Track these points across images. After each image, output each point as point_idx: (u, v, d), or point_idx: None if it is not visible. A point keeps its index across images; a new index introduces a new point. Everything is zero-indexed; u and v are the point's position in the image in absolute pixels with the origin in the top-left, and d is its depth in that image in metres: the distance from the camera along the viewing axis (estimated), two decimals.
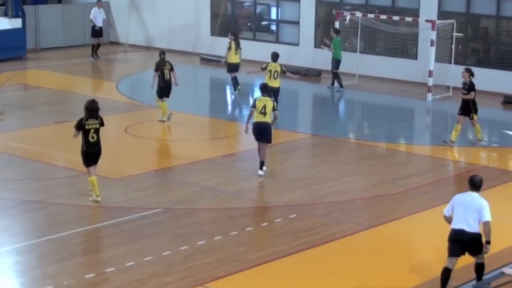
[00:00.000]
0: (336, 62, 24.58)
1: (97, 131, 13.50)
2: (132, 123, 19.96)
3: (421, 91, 24.62)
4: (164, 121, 19.27)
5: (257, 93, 19.59)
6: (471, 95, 18.27)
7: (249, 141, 17.01)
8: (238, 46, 24.01)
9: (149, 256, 11.54)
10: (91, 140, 13.41)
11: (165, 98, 19.17)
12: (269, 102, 15.61)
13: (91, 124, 13.35)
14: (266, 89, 16.20)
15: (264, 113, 15.51)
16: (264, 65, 20.16)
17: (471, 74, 18.37)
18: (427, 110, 24.15)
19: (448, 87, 24.22)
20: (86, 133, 13.40)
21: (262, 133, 15.49)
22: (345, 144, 19.63)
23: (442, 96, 24.13)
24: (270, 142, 15.68)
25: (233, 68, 23.89)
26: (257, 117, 15.58)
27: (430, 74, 23.88)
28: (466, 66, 19.16)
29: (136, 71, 27.63)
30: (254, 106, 15.70)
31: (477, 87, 24.02)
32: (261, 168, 15.51)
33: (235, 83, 23.81)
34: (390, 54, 26.58)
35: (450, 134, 17.91)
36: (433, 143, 20.87)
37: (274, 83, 19.64)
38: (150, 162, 16.95)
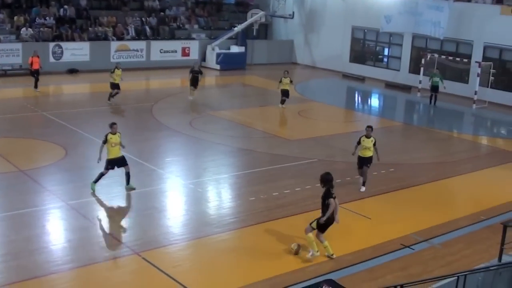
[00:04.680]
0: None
1: None
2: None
3: (469, 102, 34.60)
4: None
5: None
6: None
7: None
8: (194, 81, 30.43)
9: None
10: None
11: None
12: None
13: None
14: None
15: None
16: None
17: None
18: (472, 114, 33.40)
19: (485, 101, 34.38)
20: None
21: None
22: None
23: (481, 106, 34.15)
24: None
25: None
26: None
27: (476, 93, 33.98)
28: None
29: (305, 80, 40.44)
30: None
31: (499, 101, 33.79)
32: None
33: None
34: (453, 80, 36.19)
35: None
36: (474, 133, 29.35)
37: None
38: None
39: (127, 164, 17.81)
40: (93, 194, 17.55)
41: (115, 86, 29.64)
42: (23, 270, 13.07)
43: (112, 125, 17.70)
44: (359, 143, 18.89)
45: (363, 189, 19.02)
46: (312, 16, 46.05)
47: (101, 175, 17.69)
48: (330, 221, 14.14)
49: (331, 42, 44.63)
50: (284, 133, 26.68)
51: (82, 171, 19.65)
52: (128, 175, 17.81)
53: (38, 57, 32.19)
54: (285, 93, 30.23)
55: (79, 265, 13.51)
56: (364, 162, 18.88)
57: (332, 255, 14.38)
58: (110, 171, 17.85)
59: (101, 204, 17.21)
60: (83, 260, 13.68)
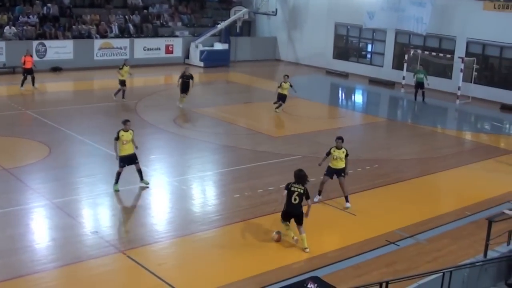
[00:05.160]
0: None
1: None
2: None
3: (453, 97, 34.50)
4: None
5: None
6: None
7: None
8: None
9: None
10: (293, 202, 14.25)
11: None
12: None
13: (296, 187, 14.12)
14: None
15: None
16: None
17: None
18: (455, 109, 33.49)
19: (468, 96, 34.30)
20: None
21: None
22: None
23: (465, 101, 34.10)
24: None
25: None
26: None
27: (459, 88, 33.85)
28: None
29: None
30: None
31: (483, 97, 33.65)
32: None
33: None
34: (436, 75, 36.02)
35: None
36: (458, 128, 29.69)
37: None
38: None
39: (137, 162, 17.59)
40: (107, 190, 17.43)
41: (122, 82, 29.62)
42: (7, 269, 12.95)
43: (126, 122, 17.38)
44: (328, 154, 17.43)
45: (348, 205, 17.53)
46: (295, 13, 46.02)
47: (118, 174, 17.52)
48: (285, 212, 14.57)
49: (314, 39, 44.61)
50: (269, 130, 26.63)
51: (66, 169, 19.55)
52: (140, 172, 17.70)
53: (30, 56, 32.16)
54: (282, 98, 28.72)
55: (64, 263, 13.44)
56: (335, 173, 17.46)
57: (293, 237, 14.71)
58: (96, 169, 17.72)
59: (86, 202, 17.08)
60: (67, 259, 13.60)
